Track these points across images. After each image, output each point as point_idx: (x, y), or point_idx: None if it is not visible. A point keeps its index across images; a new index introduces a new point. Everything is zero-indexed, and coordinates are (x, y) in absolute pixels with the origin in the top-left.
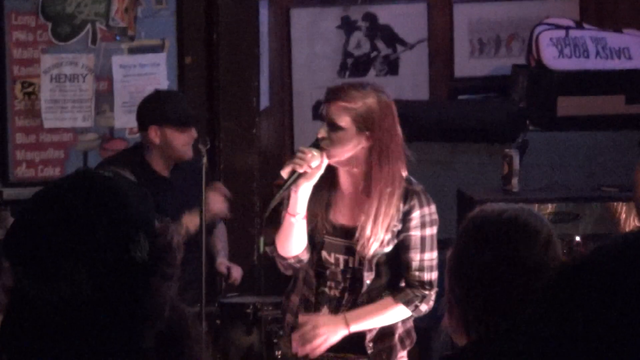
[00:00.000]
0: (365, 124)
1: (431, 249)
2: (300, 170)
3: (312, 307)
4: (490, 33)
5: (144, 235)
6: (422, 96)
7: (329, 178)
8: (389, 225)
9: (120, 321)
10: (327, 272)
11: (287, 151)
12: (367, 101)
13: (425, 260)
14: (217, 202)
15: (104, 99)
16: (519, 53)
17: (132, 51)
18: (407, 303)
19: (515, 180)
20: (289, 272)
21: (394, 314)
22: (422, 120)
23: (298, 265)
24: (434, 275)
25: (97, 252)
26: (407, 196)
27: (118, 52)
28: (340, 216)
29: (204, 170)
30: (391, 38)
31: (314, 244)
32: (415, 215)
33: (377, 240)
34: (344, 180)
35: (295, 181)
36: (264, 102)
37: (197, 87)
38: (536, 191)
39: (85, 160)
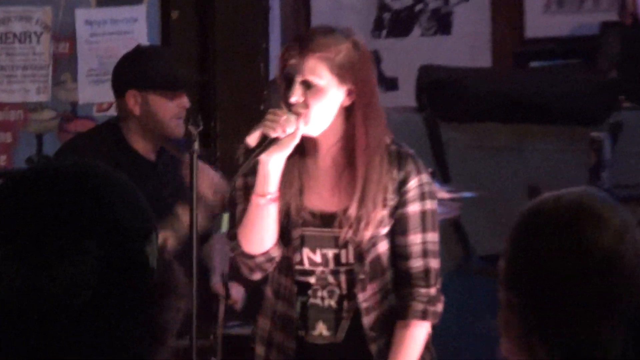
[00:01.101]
0: (345, 76)
1: (433, 228)
2: (274, 135)
3: (298, 326)
4: None
5: (157, 234)
6: (482, 63)
7: (298, 155)
8: (384, 199)
9: (123, 336)
10: (313, 276)
11: None
12: (342, 47)
13: (429, 243)
14: (204, 186)
15: (64, 65)
16: (609, 7)
17: (102, 3)
18: (423, 316)
19: (605, 173)
20: (257, 276)
21: (418, 339)
22: (482, 94)
23: (268, 265)
24: (438, 264)
25: (113, 234)
26: (400, 161)
27: (83, 4)
28: (320, 200)
29: (195, 159)
30: None
31: (289, 241)
32: (413, 184)
33: (372, 219)
34: (320, 153)
35: (266, 148)
36: (275, 69)
37: (186, 50)
38: (633, 187)
39: (39, 145)
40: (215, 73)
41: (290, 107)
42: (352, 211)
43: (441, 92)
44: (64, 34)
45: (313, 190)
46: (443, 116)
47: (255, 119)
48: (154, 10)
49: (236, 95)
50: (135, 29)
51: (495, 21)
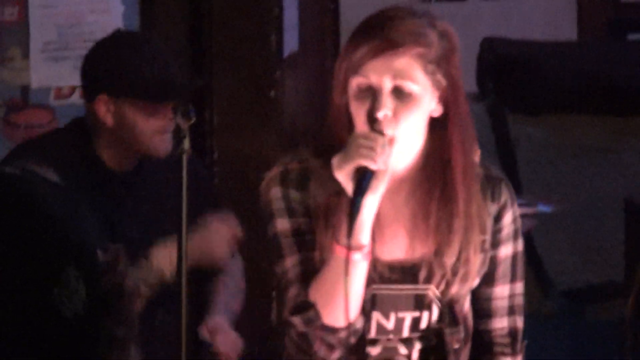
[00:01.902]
0: (438, 78)
1: (522, 276)
2: (374, 167)
3: None
4: None
5: (76, 273)
6: (565, 35)
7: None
8: (483, 241)
9: None
10: (377, 346)
11: None
12: (432, 37)
13: (517, 296)
14: (217, 241)
15: (11, 37)
16: None
17: None
18: None
19: None
20: (336, 356)
21: None
22: (565, 77)
23: (352, 340)
24: (523, 321)
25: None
26: (493, 189)
27: None
28: (396, 248)
29: (184, 162)
30: None
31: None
32: (508, 219)
33: (472, 268)
34: (393, 183)
35: (368, 185)
36: (290, 43)
37: (173, 20)
38: None
39: None
40: (212, 48)
41: (373, 125)
42: (449, 258)
43: (510, 74)
44: None
45: (385, 235)
46: (513, 106)
47: (264, 108)
48: None
49: (239, 77)
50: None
51: None
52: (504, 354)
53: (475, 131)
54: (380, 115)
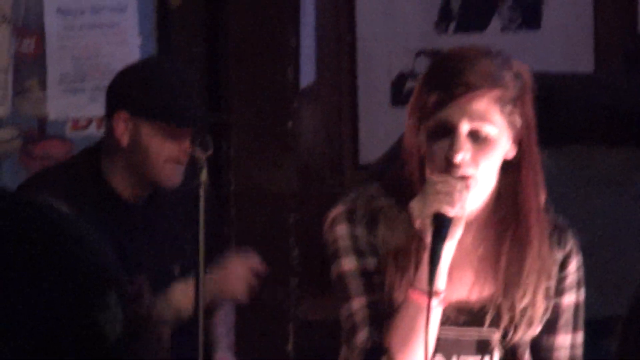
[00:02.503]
0: (514, 119)
1: (583, 326)
2: (452, 213)
3: None
4: None
5: (116, 298)
6: (582, 67)
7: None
8: (548, 287)
9: None
10: None
11: (346, 160)
12: (508, 79)
13: (577, 347)
14: (237, 279)
15: (29, 68)
16: None
17: None
18: None
19: None
20: None
21: None
22: (584, 108)
23: None
24: None
25: (39, 319)
26: (560, 235)
27: None
28: (462, 288)
29: (203, 193)
30: None
31: None
32: (573, 267)
33: (538, 313)
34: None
35: (447, 232)
36: (308, 75)
37: (189, 50)
38: None
39: None
40: (229, 80)
41: (450, 169)
42: (518, 301)
43: None
44: (30, 28)
45: (453, 276)
46: None
47: (280, 140)
48: None
49: (256, 108)
50: (123, 20)
51: (599, 11)
52: None
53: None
54: (458, 158)
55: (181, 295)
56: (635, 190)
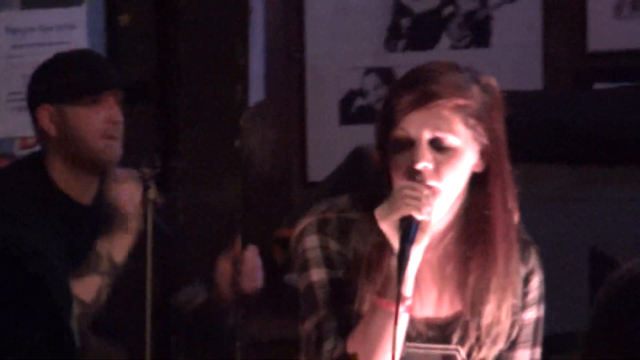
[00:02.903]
0: (480, 131)
1: (542, 342)
2: (420, 217)
3: None
4: None
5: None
6: (531, 84)
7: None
8: (514, 304)
9: None
10: None
11: (295, 178)
12: (475, 91)
13: None
14: (251, 276)
15: None
16: None
17: (28, 4)
18: None
19: None
20: None
21: None
22: (532, 126)
23: None
24: None
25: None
26: (524, 252)
27: (3, 6)
28: (429, 303)
29: (151, 211)
30: None
31: None
32: (535, 284)
33: (504, 330)
34: (431, 239)
35: (414, 236)
36: (257, 93)
37: (138, 67)
38: None
39: None
40: (178, 97)
41: (413, 178)
42: (485, 319)
43: None
44: None
45: (421, 291)
46: None
47: (228, 158)
48: (97, 13)
49: (204, 126)
50: (73, 38)
51: (549, 29)
52: None
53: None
54: (419, 166)
55: (108, 244)
56: (583, 208)
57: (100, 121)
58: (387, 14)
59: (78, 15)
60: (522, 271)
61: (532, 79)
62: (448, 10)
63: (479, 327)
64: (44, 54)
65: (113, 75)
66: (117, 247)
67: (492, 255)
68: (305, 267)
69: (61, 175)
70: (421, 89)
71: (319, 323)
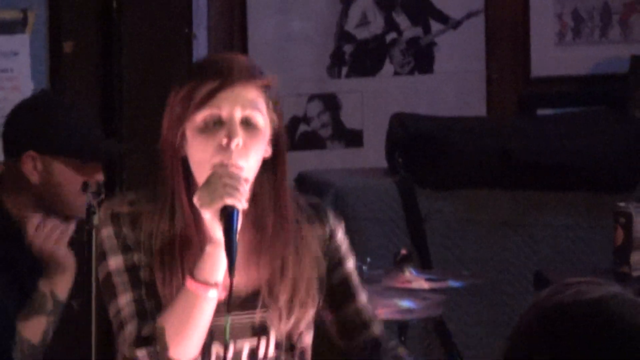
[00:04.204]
0: (273, 118)
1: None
2: (240, 206)
3: None
4: (592, 0)
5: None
6: (474, 111)
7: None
8: (317, 269)
9: None
10: None
11: None
12: (271, 80)
13: (368, 302)
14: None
15: None
16: None
17: None
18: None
19: (636, 257)
20: None
21: None
22: (474, 152)
23: None
24: None
25: None
26: (319, 214)
27: None
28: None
29: (94, 237)
30: (422, 9)
31: None
32: (341, 236)
33: (311, 294)
34: None
35: (234, 224)
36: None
37: (82, 94)
38: None
39: None
40: (122, 124)
41: (225, 156)
42: (285, 285)
43: (420, 150)
44: None
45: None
46: (422, 181)
47: None
48: (41, 40)
49: (149, 153)
50: (16, 65)
51: (492, 55)
52: (393, 346)
53: (385, 206)
54: (233, 144)
55: (49, 283)
56: (527, 233)
57: (84, 178)
58: (330, 41)
59: (21, 42)
60: (326, 229)
61: (476, 105)
62: (391, 36)
63: (283, 292)
64: None
65: (106, 146)
66: (59, 286)
67: (284, 225)
68: (102, 257)
69: (20, 211)
70: (230, 70)
71: (120, 309)
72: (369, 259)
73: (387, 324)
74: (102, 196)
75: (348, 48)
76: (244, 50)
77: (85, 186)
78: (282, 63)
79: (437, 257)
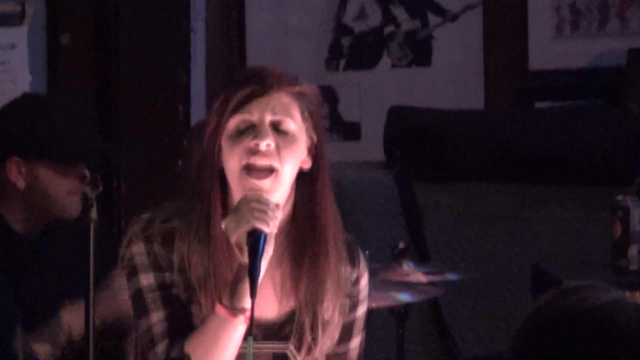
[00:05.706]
0: (310, 128)
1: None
2: (267, 230)
3: None
4: None
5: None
6: (472, 104)
7: (225, 245)
8: (344, 304)
9: None
10: None
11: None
12: (309, 88)
13: (358, 348)
14: (123, 300)
15: None
16: (639, 29)
17: None
18: None
19: (634, 250)
20: None
21: None
22: (472, 145)
23: None
24: None
25: None
26: (351, 253)
27: None
28: (259, 303)
29: (92, 231)
30: (420, 2)
31: None
32: (364, 282)
33: (337, 325)
34: None
35: (264, 250)
36: (198, 112)
37: (79, 87)
38: None
39: None
40: (119, 117)
41: (255, 158)
42: (321, 317)
43: (417, 143)
44: None
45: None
46: (420, 174)
47: (171, 176)
48: (39, 33)
49: (146, 146)
50: (14, 58)
51: (489, 48)
52: None
53: (383, 199)
54: (262, 145)
55: (71, 318)
56: (524, 226)
57: (70, 180)
58: (327, 34)
59: (19, 35)
60: (354, 273)
61: (473, 98)
62: (389, 29)
63: (314, 326)
64: None
65: (90, 146)
66: (77, 323)
67: (323, 255)
68: (133, 273)
69: (13, 212)
70: (261, 79)
71: (150, 326)
72: (367, 252)
73: (386, 316)
74: (100, 189)
75: (346, 41)
76: (242, 43)
77: (82, 178)
78: (280, 56)
79: (435, 250)
